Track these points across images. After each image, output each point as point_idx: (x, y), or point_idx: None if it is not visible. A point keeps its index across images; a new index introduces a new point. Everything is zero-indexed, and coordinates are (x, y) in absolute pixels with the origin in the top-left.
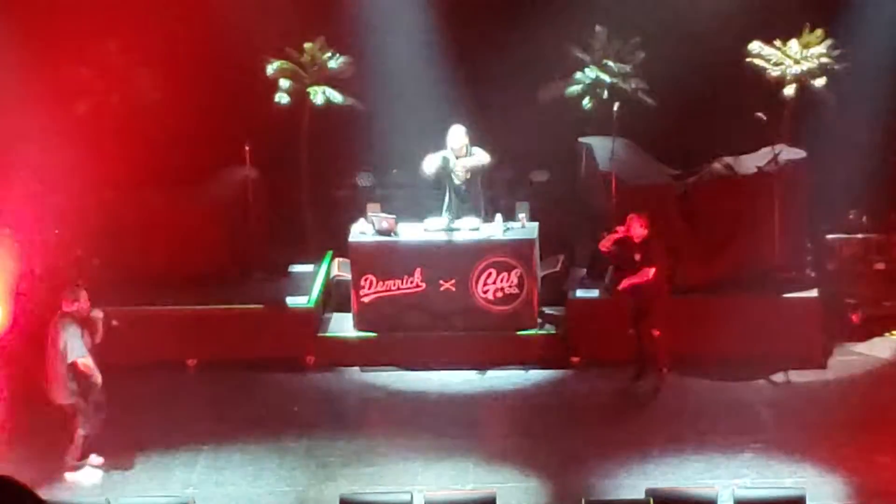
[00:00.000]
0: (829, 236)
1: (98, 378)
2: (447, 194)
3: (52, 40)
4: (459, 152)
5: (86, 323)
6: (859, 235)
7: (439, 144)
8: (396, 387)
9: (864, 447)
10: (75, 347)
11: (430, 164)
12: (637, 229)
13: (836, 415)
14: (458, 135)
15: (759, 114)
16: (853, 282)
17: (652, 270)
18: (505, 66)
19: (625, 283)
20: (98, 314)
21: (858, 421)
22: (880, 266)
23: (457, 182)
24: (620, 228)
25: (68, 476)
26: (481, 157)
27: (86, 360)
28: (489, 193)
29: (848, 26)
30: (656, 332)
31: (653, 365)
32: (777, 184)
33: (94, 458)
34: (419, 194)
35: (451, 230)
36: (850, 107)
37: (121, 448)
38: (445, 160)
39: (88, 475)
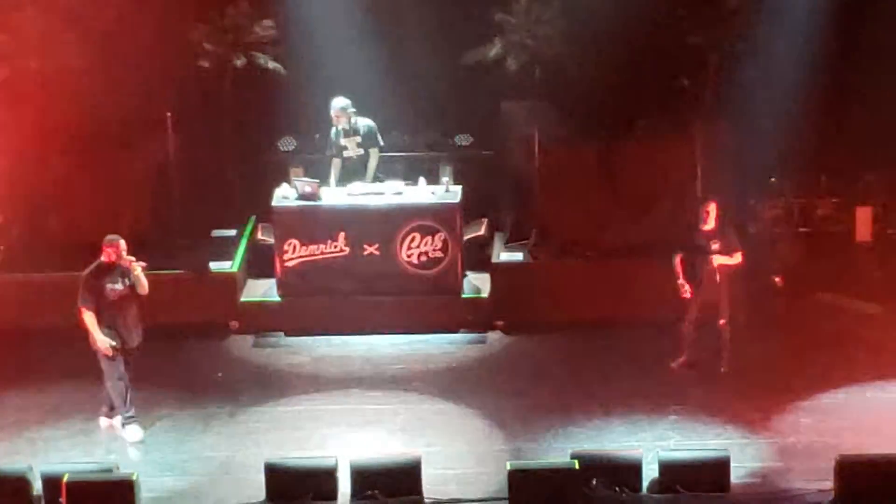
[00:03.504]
0: (752, 200)
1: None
2: (334, 168)
3: None
4: (344, 126)
5: (117, 273)
6: (781, 199)
7: (360, 109)
8: (321, 351)
9: (787, 409)
10: (78, 297)
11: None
12: (713, 215)
13: (760, 377)
14: (340, 109)
15: (682, 81)
16: (776, 245)
17: (739, 254)
18: (428, 30)
19: (718, 266)
20: (130, 264)
21: (782, 383)
22: (802, 229)
23: (350, 154)
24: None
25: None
26: (375, 156)
27: (86, 315)
28: (411, 158)
29: None
30: (722, 322)
31: (722, 358)
32: (699, 147)
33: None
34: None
35: (375, 194)
36: (772, 71)
37: (43, 414)
38: (336, 136)
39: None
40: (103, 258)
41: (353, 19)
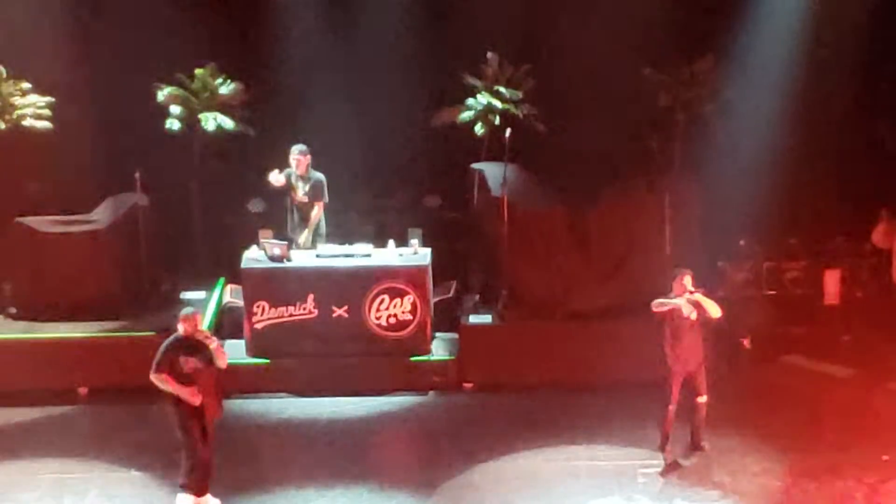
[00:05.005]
0: (721, 262)
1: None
2: (290, 212)
3: None
4: (300, 172)
5: (193, 346)
6: (750, 262)
7: (330, 170)
8: (289, 414)
9: (756, 472)
10: (152, 366)
11: (277, 177)
12: (690, 286)
13: (728, 439)
14: (298, 153)
15: (651, 142)
16: (744, 307)
17: (717, 307)
18: (397, 92)
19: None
20: (207, 338)
21: (749, 445)
22: (770, 292)
23: (298, 199)
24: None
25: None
26: (318, 209)
27: (156, 378)
28: (381, 218)
29: (738, 53)
30: (704, 399)
31: (696, 437)
32: (668, 210)
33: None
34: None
35: (344, 256)
36: (741, 133)
37: (12, 476)
38: (289, 176)
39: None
40: (180, 331)
41: (322, 81)
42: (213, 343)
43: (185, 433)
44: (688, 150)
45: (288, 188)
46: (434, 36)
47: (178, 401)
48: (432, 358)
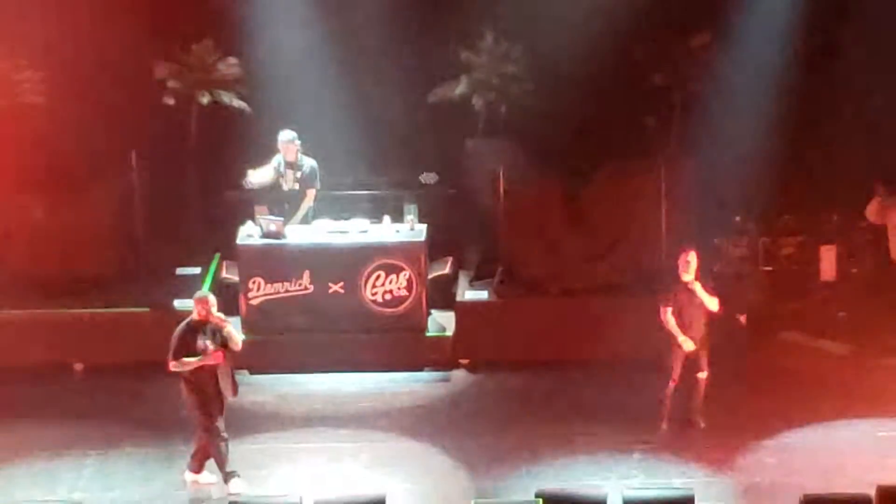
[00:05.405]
0: (716, 239)
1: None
2: (279, 201)
3: None
4: (290, 159)
5: (207, 329)
6: (746, 238)
7: (325, 146)
8: (284, 390)
9: (751, 448)
10: (169, 353)
11: (261, 175)
12: (694, 264)
13: (724, 416)
14: (287, 141)
15: (647, 119)
16: (740, 284)
17: (716, 300)
18: (393, 68)
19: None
20: (221, 321)
21: (746, 422)
22: (766, 268)
23: (286, 188)
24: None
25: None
26: (310, 196)
27: (175, 364)
28: (375, 196)
29: (735, 30)
30: (705, 375)
31: (692, 413)
32: (664, 187)
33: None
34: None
35: (340, 232)
36: (737, 110)
37: (6, 452)
38: (277, 166)
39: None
40: (194, 315)
41: (318, 57)
42: (228, 325)
43: (205, 416)
44: (684, 126)
45: (276, 177)
46: (429, 11)
47: (194, 387)
48: (428, 334)
